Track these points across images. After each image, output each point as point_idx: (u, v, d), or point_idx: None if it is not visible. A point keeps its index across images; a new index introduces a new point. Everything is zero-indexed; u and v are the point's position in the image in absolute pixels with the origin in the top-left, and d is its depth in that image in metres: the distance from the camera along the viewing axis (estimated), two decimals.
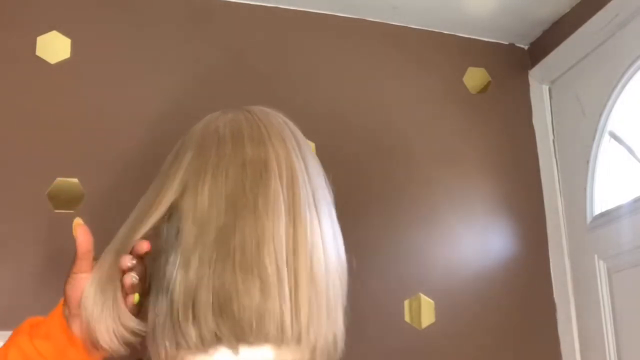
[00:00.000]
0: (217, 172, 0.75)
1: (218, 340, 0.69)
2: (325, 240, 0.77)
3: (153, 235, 0.76)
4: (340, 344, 0.75)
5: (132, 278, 0.74)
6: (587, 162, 1.65)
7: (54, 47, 1.50)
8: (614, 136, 1.61)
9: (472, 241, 1.67)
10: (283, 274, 0.71)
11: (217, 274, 0.70)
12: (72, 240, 1.33)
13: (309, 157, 0.82)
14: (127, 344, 0.74)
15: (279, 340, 0.70)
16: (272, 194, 0.74)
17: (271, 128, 0.80)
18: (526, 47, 1.87)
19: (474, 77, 1.80)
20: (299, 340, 0.70)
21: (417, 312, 1.57)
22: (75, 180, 1.43)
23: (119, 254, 0.75)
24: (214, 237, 0.71)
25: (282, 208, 0.73)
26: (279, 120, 0.83)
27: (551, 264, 1.71)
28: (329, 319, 0.73)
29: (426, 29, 1.79)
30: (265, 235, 0.71)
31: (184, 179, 0.76)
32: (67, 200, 1.42)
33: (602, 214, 1.59)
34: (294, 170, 0.77)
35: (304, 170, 0.79)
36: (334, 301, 0.75)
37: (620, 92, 1.57)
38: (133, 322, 0.73)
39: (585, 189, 1.65)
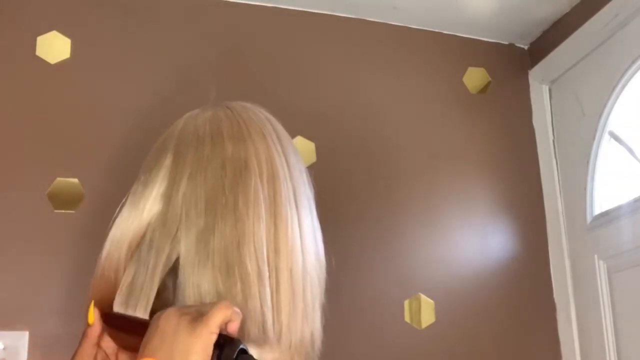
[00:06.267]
0: (196, 174, 0.73)
1: None
2: (305, 238, 0.75)
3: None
4: (318, 342, 0.75)
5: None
6: (587, 162, 1.65)
7: (54, 47, 1.50)
8: (614, 136, 1.61)
9: (472, 241, 1.67)
10: (264, 273, 0.70)
11: (198, 276, 0.69)
12: (72, 240, 1.33)
13: (290, 152, 0.80)
14: None
15: (261, 340, 0.69)
16: (253, 192, 0.72)
17: (251, 124, 0.78)
18: (526, 47, 1.87)
19: (474, 77, 1.80)
20: (279, 340, 0.70)
21: (417, 312, 1.57)
22: (75, 180, 1.43)
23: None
24: (195, 239, 0.70)
25: (263, 206, 0.72)
26: (260, 116, 0.81)
27: (551, 264, 1.71)
28: (307, 318, 0.73)
29: (426, 29, 1.79)
30: (245, 235, 0.70)
31: (164, 184, 0.75)
32: (67, 200, 1.41)
33: (602, 214, 1.59)
34: (274, 167, 0.76)
35: (285, 166, 0.77)
36: (311, 300, 0.74)
37: (620, 92, 1.57)
38: None
39: (585, 189, 1.65)
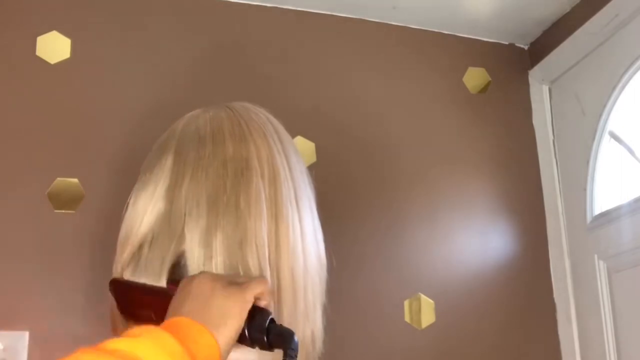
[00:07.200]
0: (197, 173, 0.73)
1: None
2: (306, 237, 0.76)
3: None
4: (319, 342, 0.75)
5: None
6: (587, 162, 1.65)
7: (54, 47, 1.50)
8: (614, 136, 1.61)
9: (472, 241, 1.67)
10: (266, 272, 0.70)
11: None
12: (72, 240, 1.33)
13: (291, 152, 0.80)
14: None
15: None
16: (254, 191, 0.73)
17: (252, 124, 0.79)
18: (526, 47, 1.87)
19: (474, 77, 1.79)
20: None
21: (417, 312, 1.57)
22: (75, 180, 1.43)
23: None
24: (198, 238, 0.70)
25: (264, 206, 0.72)
26: (261, 116, 0.81)
27: (551, 264, 1.71)
28: (307, 317, 0.73)
29: (426, 29, 1.79)
30: (247, 234, 0.70)
31: (166, 184, 0.75)
32: (67, 200, 1.42)
33: (602, 214, 1.59)
34: (275, 167, 0.76)
35: (285, 166, 0.78)
36: (312, 299, 0.74)
37: (620, 92, 1.57)
38: None
39: (585, 189, 1.65)
